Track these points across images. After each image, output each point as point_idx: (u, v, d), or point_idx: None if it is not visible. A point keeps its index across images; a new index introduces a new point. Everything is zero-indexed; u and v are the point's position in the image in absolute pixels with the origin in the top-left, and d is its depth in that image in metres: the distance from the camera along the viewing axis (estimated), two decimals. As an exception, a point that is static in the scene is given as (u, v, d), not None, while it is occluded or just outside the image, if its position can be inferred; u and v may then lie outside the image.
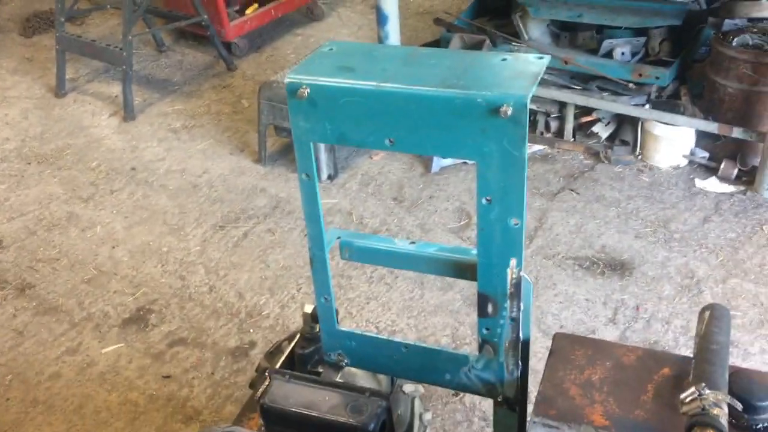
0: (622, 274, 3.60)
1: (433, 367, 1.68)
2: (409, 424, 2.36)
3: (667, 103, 4.41)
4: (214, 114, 5.28)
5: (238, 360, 3.25)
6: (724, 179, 4.15)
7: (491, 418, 1.96)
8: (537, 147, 4.62)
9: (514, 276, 1.46)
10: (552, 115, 4.64)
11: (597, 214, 4.02)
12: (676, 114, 4.23)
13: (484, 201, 1.38)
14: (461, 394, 3.01)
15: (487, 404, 2.95)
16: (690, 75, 4.60)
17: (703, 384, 1.31)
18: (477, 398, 2.98)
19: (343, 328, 1.74)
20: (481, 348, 1.61)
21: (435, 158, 4.44)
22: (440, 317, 3.42)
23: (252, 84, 5.63)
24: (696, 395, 1.28)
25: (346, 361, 1.79)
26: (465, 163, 4.50)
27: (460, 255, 1.57)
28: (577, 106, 4.50)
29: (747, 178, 4.13)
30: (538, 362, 2.97)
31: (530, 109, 4.59)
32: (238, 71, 5.85)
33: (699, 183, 4.19)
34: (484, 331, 1.58)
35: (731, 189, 4.10)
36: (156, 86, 5.70)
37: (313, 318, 2.01)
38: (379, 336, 1.74)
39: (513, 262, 1.44)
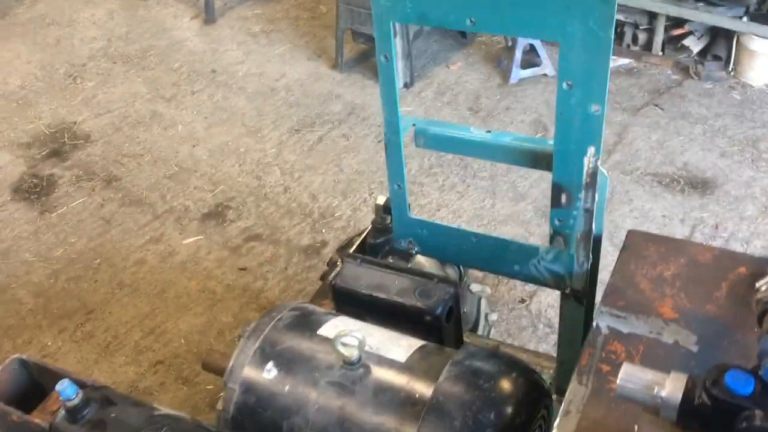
0: (703, 192, 3.49)
1: (502, 257, 1.70)
2: (475, 321, 2.41)
3: (763, 15, 4.15)
4: (293, 19, 5.27)
5: (310, 257, 3.35)
6: (822, 99, 3.92)
7: (556, 325, 1.97)
8: (622, 60, 4.45)
9: (591, 165, 1.44)
10: (641, 27, 4.44)
11: (681, 130, 3.88)
12: (762, 24, 3.98)
13: (564, 85, 1.36)
14: (528, 301, 3.04)
15: (553, 312, 2.96)
16: (794, -14, 4.30)
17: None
18: (543, 305, 3.01)
19: (415, 216, 1.77)
20: (552, 240, 1.61)
21: (514, 68, 4.33)
22: (510, 227, 3.42)
23: (331, -11, 5.57)
24: (772, 283, 1.26)
25: (416, 248, 1.83)
26: (545, 75, 4.39)
27: (536, 144, 1.56)
28: (668, 17, 4.28)
29: None
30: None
31: (617, 20, 4.44)
32: (318, -24, 5.79)
33: (795, 102, 3.98)
34: (556, 223, 1.57)
35: (830, 108, 3.88)
36: (236, -10, 5.71)
37: (384, 209, 2.04)
38: (451, 225, 1.76)
39: (591, 150, 1.42)
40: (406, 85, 4.41)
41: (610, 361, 1.39)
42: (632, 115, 4.03)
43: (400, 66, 4.34)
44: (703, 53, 4.33)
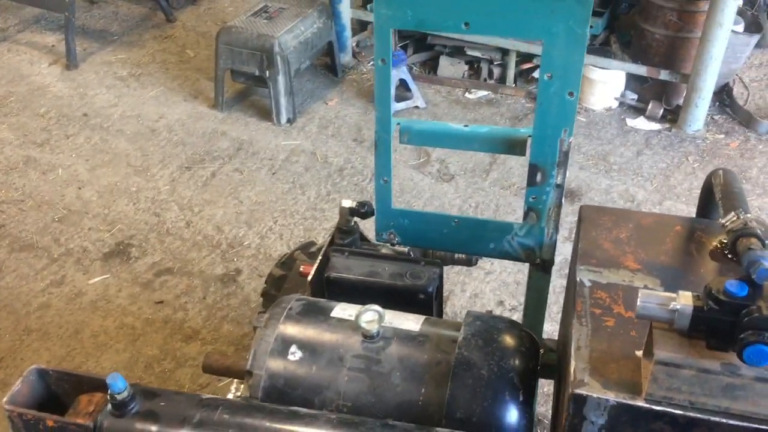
0: (572, 200, 3.96)
1: (480, 237, 1.92)
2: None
3: (600, 50, 4.82)
4: (160, 63, 5.27)
5: (227, 285, 3.38)
6: (651, 118, 4.59)
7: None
8: (482, 92, 4.92)
9: (565, 145, 1.72)
10: (495, 62, 4.95)
11: (544, 149, 4.36)
12: (609, 59, 4.63)
13: (545, 77, 1.63)
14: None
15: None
16: (617, 25, 5.02)
17: (740, 209, 1.60)
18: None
19: (397, 207, 1.95)
20: (526, 216, 1.86)
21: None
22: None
23: (194, 35, 5.64)
24: (735, 217, 1.57)
25: (397, 239, 2.00)
26: (417, 107, 4.75)
27: (511, 133, 1.81)
28: (518, 53, 4.83)
29: (671, 116, 4.59)
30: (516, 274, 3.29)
31: (474, 57, 4.93)
32: (177, 23, 5.83)
33: (630, 122, 4.62)
34: (531, 200, 1.83)
35: (658, 126, 4.55)
36: (94, 36, 5.60)
37: (351, 212, 2.20)
38: (432, 212, 1.96)
39: (565, 132, 1.70)
40: (289, 121, 4.58)
41: (599, 305, 1.65)
42: (500, 138, 4.47)
43: (283, 102, 4.51)
44: (550, 84, 4.91)
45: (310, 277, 2.07)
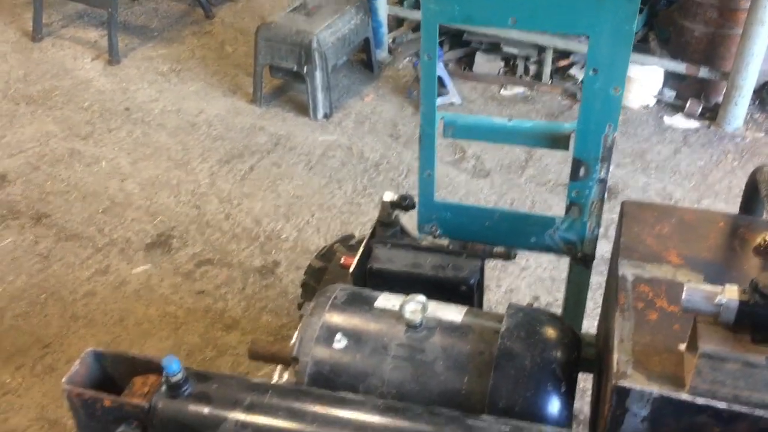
0: (609, 197, 3.94)
1: (521, 231, 1.95)
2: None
3: (638, 47, 4.78)
4: (200, 59, 5.36)
5: (265, 277, 3.44)
6: (689, 116, 4.56)
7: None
8: (518, 89, 4.93)
9: (609, 140, 1.73)
10: (531, 59, 4.95)
11: (580, 146, 4.35)
12: (647, 56, 4.60)
13: (591, 72, 1.64)
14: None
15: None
16: (656, 22, 4.99)
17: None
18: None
19: (440, 200, 1.98)
20: (568, 210, 1.88)
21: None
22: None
23: (233, 31, 5.72)
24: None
25: (439, 232, 2.03)
26: (452, 104, 4.77)
27: (554, 127, 1.83)
28: (555, 50, 4.82)
29: (710, 114, 4.55)
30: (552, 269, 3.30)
31: (510, 54, 4.93)
32: (216, 19, 5.91)
33: (667, 120, 4.59)
34: (573, 194, 1.85)
35: (696, 125, 4.52)
36: (135, 32, 5.71)
37: (392, 205, 2.24)
38: (474, 205, 1.99)
39: (609, 127, 1.71)
40: (326, 116, 4.63)
41: (642, 299, 1.67)
42: (536, 135, 4.47)
43: (320, 98, 4.56)
44: (587, 81, 4.89)
45: (352, 268, 2.11)
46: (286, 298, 3.31)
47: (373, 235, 2.22)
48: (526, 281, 3.36)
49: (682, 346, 1.53)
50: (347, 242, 2.76)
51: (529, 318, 1.71)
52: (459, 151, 4.31)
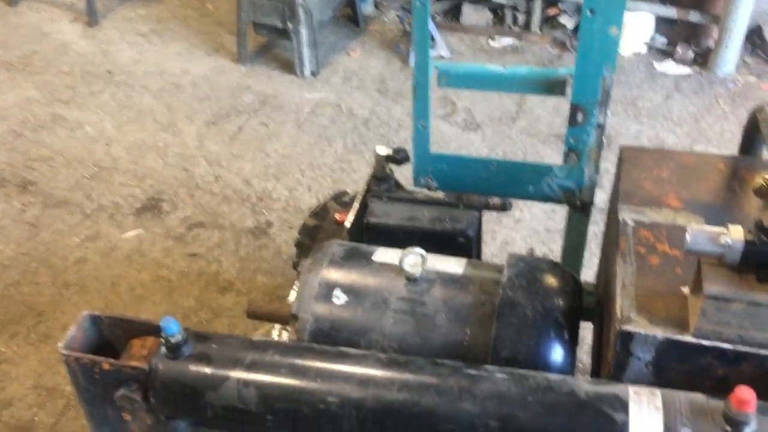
0: (607, 145, 3.91)
1: (518, 180, 1.92)
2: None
3: (627, -7, 4.71)
4: (181, 18, 5.24)
5: (258, 238, 3.41)
6: (680, 62, 4.51)
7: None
8: (506, 40, 4.85)
9: (607, 83, 1.69)
10: (519, 9, 4.86)
11: (571, 96, 4.30)
12: (637, 1, 4.53)
13: (588, 13, 1.60)
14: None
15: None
16: (646, -33, 4.90)
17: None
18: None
19: (435, 152, 1.94)
20: (566, 157, 1.85)
21: (412, 52, 4.58)
22: (442, 191, 3.66)
23: (213, -12, 5.58)
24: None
25: (435, 184, 2.00)
26: (441, 56, 4.69)
27: (550, 74, 1.79)
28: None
29: (701, 59, 4.50)
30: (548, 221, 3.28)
31: (498, 3, 4.84)
32: (195, -23, 5.77)
33: (658, 66, 4.54)
34: (571, 141, 1.81)
35: (688, 70, 4.47)
36: (113, -8, 5.57)
37: (386, 159, 2.20)
38: (470, 156, 1.95)
39: (607, 69, 1.67)
40: (312, 73, 4.55)
41: (643, 244, 1.65)
42: (526, 86, 4.41)
43: (306, 54, 4.48)
44: (576, 29, 4.83)
45: (348, 224, 2.08)
46: (280, 258, 3.28)
47: (367, 190, 2.18)
48: (520, 233, 3.34)
49: (686, 289, 1.51)
50: (341, 199, 2.72)
51: (529, 267, 1.68)
52: (449, 105, 4.26)
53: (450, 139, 3.98)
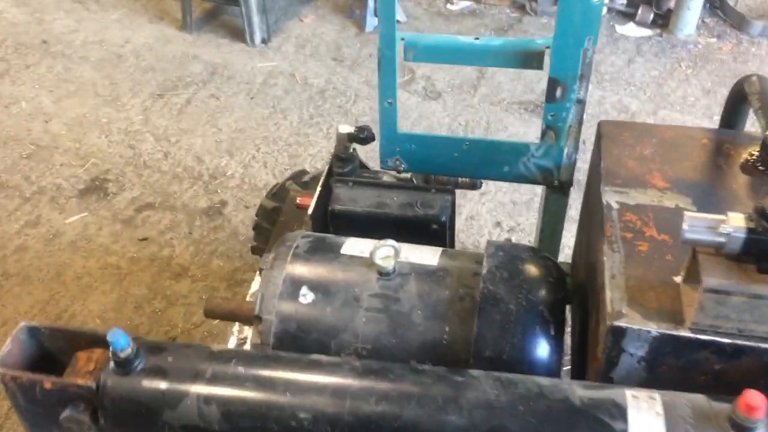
0: (565, 114, 3.82)
1: (492, 160, 1.79)
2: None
3: (587, -47, 4.58)
4: (121, -17, 4.94)
5: (213, 218, 3.23)
6: (641, 24, 4.42)
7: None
8: (465, 3, 4.69)
9: (588, 55, 1.57)
10: (477, -30, 4.71)
11: (532, 61, 4.18)
12: (597, -38, 4.41)
13: (569, -21, 1.47)
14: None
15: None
16: (604, -74, 4.78)
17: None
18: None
19: (404, 131, 1.80)
20: (543, 135, 1.73)
21: (368, 16, 4.41)
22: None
23: (154, -49, 5.27)
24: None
25: (403, 166, 1.86)
26: (398, 21, 4.50)
27: (526, 45, 1.66)
28: (502, -40, 4.58)
29: (662, 21, 4.42)
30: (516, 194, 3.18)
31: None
32: (134, -62, 5.44)
33: (619, 29, 4.45)
34: (549, 117, 1.69)
35: (649, 32, 4.39)
36: (45, -44, 5.22)
37: (349, 138, 2.05)
38: (441, 135, 1.82)
39: (589, 40, 1.55)
40: (263, 41, 4.34)
41: (629, 229, 1.54)
42: (486, 51, 4.28)
43: (256, 21, 4.25)
44: (535, -9, 4.69)
45: (310, 210, 1.93)
46: (236, 239, 3.12)
47: (330, 172, 2.03)
48: (486, 206, 3.24)
49: (678, 278, 1.42)
50: (300, 179, 2.57)
51: (510, 256, 1.57)
52: (408, 72, 4.10)
53: (410, 108, 3.83)
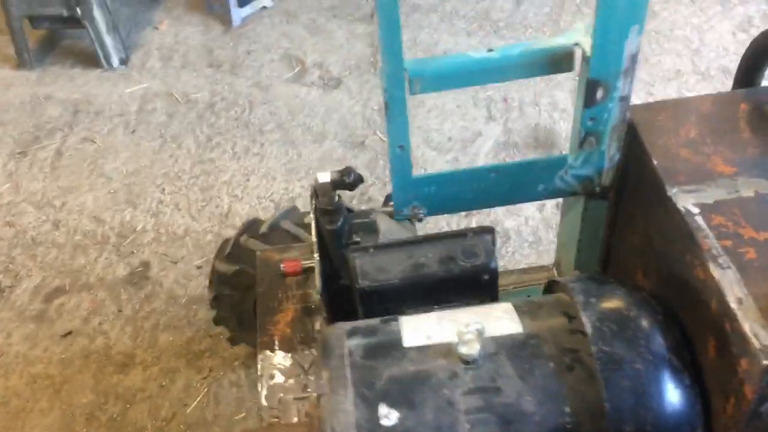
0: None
1: (524, 183, 1.53)
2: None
3: None
4: (-76, 26, 4.15)
5: (140, 287, 2.78)
6: (516, -39, 4.24)
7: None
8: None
9: (634, 46, 1.33)
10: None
11: (422, 23, 3.93)
12: None
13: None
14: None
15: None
16: None
17: None
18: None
19: (419, 175, 1.50)
20: (582, 142, 1.48)
21: (233, 9, 3.95)
22: (329, 165, 3.20)
23: (-48, -21, 4.47)
24: None
25: (422, 212, 1.56)
26: (265, 7, 4.09)
27: (555, 46, 1.38)
28: None
29: (535, -46, 4.26)
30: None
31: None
32: None
33: (495, -30, 4.25)
34: (589, 123, 1.44)
35: (525, -32, 4.22)
36: None
37: (333, 186, 1.72)
38: (462, 169, 1.53)
39: (635, 29, 1.30)
40: (123, 62, 3.78)
41: (725, 235, 1.34)
42: (368, 23, 3.97)
43: (108, 41, 3.69)
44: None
45: (318, 290, 1.61)
46: (177, 304, 2.70)
47: (321, 234, 1.70)
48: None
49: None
50: (256, 231, 2.20)
51: (605, 299, 1.33)
52: (297, 63, 3.72)
53: (313, 104, 3.48)
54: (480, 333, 1.27)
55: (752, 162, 1.47)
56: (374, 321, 1.41)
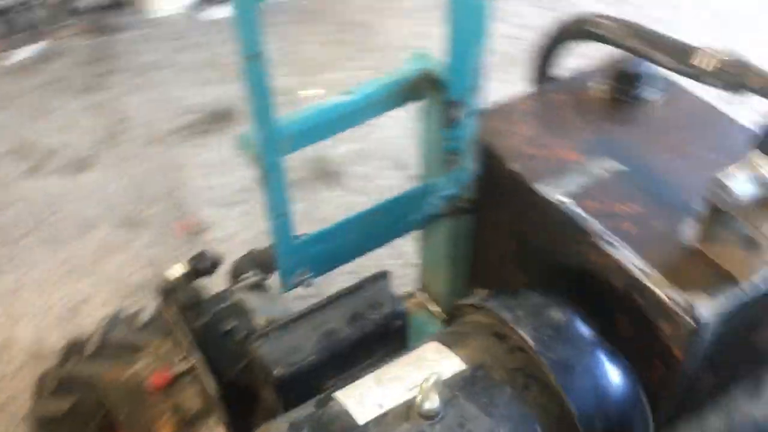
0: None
1: (398, 219, 1.48)
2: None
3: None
4: None
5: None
6: None
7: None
8: (27, 51, 3.88)
9: (481, 60, 1.34)
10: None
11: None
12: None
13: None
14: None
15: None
16: None
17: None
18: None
19: (301, 237, 1.37)
20: (449, 164, 1.47)
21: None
22: (116, 254, 2.88)
23: None
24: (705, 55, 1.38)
25: (309, 275, 1.44)
26: None
27: (406, 75, 1.33)
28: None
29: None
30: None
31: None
32: None
33: None
34: (451, 144, 1.44)
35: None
36: None
37: (189, 278, 1.54)
38: (338, 222, 1.43)
39: (481, 45, 1.31)
40: None
41: (603, 215, 1.42)
42: (102, 89, 3.63)
43: None
44: None
45: (215, 393, 1.42)
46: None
47: (196, 334, 1.51)
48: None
49: (693, 242, 1.35)
50: (80, 353, 1.88)
51: (530, 310, 1.33)
52: (30, 152, 3.28)
53: (64, 193, 3.09)
54: (437, 383, 1.20)
55: (592, 145, 1.58)
56: (308, 408, 1.27)
